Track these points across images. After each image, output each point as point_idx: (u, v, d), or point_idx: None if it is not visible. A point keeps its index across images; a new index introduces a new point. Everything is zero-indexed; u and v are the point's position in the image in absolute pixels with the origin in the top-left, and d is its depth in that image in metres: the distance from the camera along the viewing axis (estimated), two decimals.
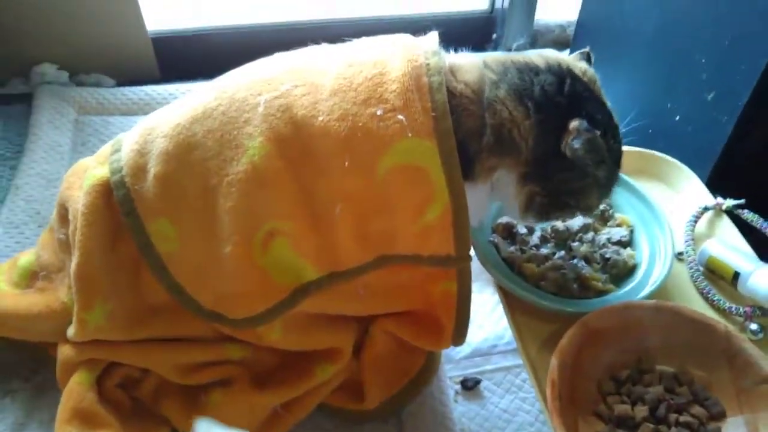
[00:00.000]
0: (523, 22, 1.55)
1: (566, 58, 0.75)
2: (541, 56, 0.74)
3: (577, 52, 0.79)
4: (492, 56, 0.75)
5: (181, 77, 1.38)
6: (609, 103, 0.75)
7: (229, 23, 1.49)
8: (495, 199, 0.75)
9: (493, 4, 1.58)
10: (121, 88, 1.33)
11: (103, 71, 1.37)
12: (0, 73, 1.33)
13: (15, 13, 1.26)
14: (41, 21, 1.29)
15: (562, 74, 0.72)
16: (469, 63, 0.74)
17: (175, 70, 1.40)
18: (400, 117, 0.65)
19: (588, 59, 0.78)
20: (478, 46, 1.61)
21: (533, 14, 1.55)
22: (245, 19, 1.50)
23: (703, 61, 1.02)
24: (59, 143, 1.18)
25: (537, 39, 1.62)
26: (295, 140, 0.67)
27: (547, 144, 0.69)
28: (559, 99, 0.70)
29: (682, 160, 1.00)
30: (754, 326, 0.81)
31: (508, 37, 1.57)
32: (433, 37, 0.73)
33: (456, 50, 0.76)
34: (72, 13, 1.29)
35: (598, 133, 0.68)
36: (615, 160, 0.75)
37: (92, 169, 0.74)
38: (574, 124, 0.67)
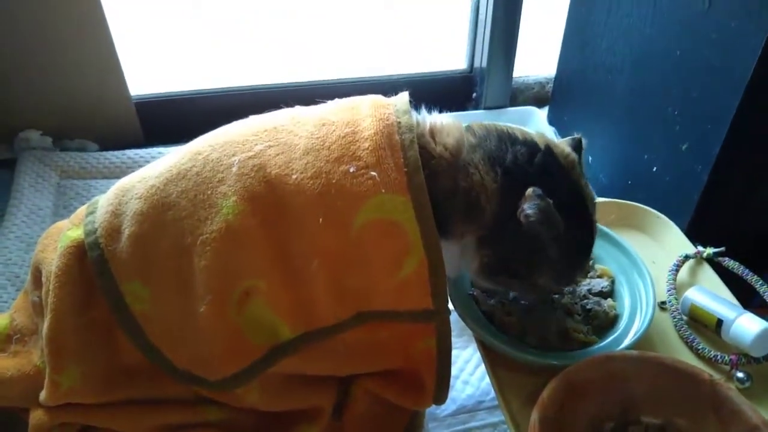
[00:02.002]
0: (503, 80, 1.58)
1: (553, 140, 0.76)
2: (523, 131, 0.75)
3: (569, 138, 0.79)
4: (478, 122, 0.76)
5: (164, 140, 1.39)
6: (590, 194, 0.75)
7: (209, 87, 1.51)
8: (461, 262, 0.76)
9: (472, 63, 1.61)
10: (104, 152, 1.35)
11: (87, 136, 1.38)
12: None
13: None
14: (26, 88, 1.31)
15: (535, 147, 0.73)
16: (450, 125, 0.75)
17: (159, 134, 1.41)
18: (373, 173, 0.66)
19: (578, 146, 0.78)
20: (459, 105, 1.63)
21: (512, 72, 1.58)
22: (224, 82, 1.53)
23: (675, 113, 1.04)
24: (40, 207, 1.18)
25: (517, 96, 1.64)
26: (270, 198, 0.67)
27: (507, 210, 0.70)
28: (527, 168, 0.71)
29: (661, 210, 1.01)
30: (740, 374, 0.79)
31: (488, 96, 1.59)
32: (404, 96, 0.75)
33: (434, 110, 0.77)
34: (57, 80, 1.31)
35: (551, 202, 0.68)
36: (575, 246, 0.74)
37: (67, 231, 0.74)
38: (529, 190, 0.68)
